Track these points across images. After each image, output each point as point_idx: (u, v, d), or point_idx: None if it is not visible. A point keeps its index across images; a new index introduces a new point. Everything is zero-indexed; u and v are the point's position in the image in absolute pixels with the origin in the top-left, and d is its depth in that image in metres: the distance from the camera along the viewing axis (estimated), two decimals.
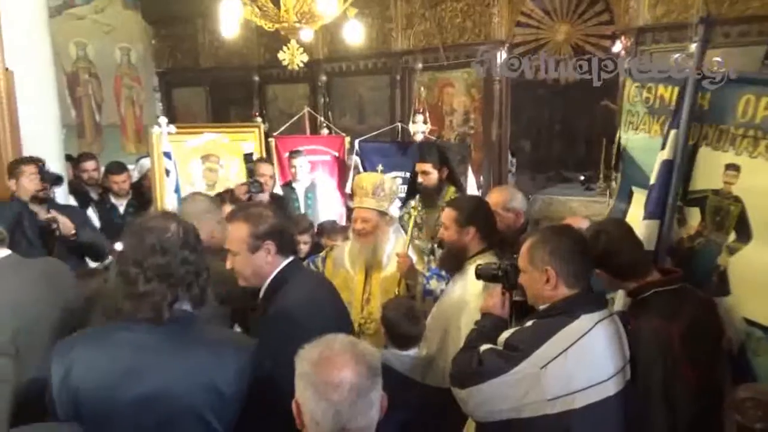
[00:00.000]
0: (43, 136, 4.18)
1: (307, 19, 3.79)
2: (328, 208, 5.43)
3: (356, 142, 5.86)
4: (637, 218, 2.55)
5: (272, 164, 4.86)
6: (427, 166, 3.86)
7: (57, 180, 3.61)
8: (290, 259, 2.14)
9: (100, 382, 1.54)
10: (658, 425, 1.90)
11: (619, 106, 5.08)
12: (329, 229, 4.33)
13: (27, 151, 3.96)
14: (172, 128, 4.45)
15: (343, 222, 5.08)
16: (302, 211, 4.94)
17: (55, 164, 4.05)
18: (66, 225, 3.50)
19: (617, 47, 5.95)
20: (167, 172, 4.13)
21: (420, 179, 3.90)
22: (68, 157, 4.98)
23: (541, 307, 1.89)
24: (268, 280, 2.09)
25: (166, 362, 1.58)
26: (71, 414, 1.54)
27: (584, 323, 1.77)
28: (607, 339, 1.79)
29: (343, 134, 6.33)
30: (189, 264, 1.61)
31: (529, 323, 1.85)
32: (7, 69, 3.81)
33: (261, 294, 2.10)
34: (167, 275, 1.58)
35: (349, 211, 5.37)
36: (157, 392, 1.55)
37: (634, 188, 2.87)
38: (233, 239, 2.06)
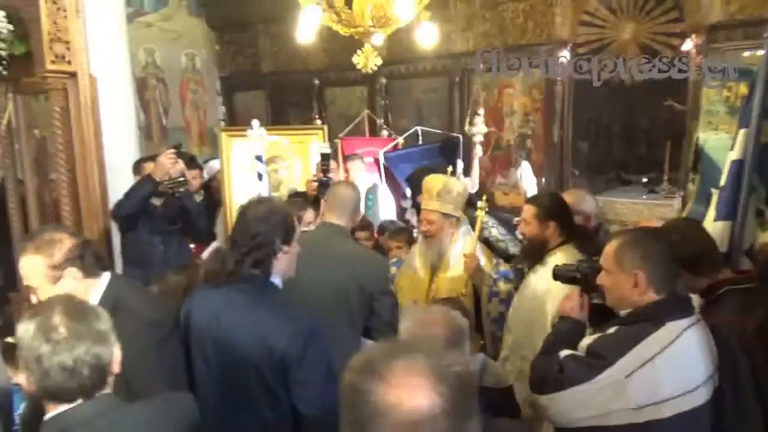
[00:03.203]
0: (122, 141, 4.37)
1: (382, 23, 3.85)
2: (389, 208, 5.48)
3: (380, 153, 5.83)
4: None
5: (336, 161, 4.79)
6: None
7: (191, 161, 3.82)
8: (107, 276, 2.06)
9: (197, 322, 2.07)
10: (752, 422, 1.83)
11: (690, 105, 4.91)
12: (391, 230, 4.36)
13: (108, 156, 4.18)
14: (263, 131, 4.43)
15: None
16: (362, 212, 4.97)
17: None
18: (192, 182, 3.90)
19: (687, 45, 5.73)
20: (260, 176, 4.09)
21: None
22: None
23: (623, 312, 1.86)
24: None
25: (236, 315, 1.98)
26: (187, 342, 2.08)
27: (671, 331, 1.73)
28: (696, 346, 1.74)
29: (396, 135, 6.33)
30: (253, 239, 1.98)
31: (612, 330, 1.81)
32: (91, 75, 4.03)
33: None
34: (236, 243, 2.02)
35: (402, 211, 5.43)
36: (225, 338, 1.97)
37: (713, 190, 2.78)
38: (31, 275, 1.89)
